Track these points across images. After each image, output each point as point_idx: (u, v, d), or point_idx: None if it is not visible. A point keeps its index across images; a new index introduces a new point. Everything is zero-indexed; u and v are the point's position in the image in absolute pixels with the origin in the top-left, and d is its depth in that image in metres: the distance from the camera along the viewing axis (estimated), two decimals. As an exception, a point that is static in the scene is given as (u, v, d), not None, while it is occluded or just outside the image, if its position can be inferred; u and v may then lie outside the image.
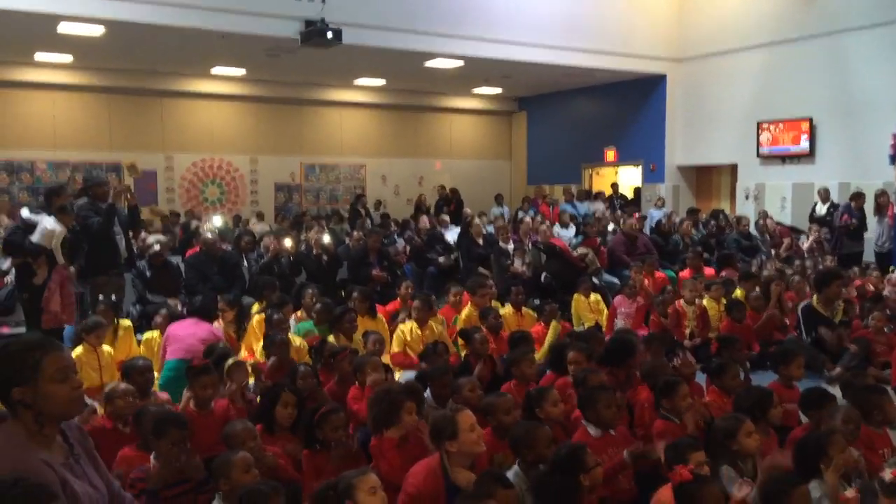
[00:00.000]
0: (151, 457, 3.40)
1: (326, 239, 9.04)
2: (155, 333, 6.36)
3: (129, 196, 7.30)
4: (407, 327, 6.38)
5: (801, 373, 4.86)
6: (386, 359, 6.05)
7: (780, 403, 4.14)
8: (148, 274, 7.91)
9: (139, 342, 6.61)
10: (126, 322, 6.48)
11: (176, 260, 8.84)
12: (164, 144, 15.71)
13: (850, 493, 2.89)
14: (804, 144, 13.06)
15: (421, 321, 6.41)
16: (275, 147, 16.85)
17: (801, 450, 3.50)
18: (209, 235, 8.33)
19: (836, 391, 4.84)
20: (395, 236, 12.72)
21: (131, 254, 7.80)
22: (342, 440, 3.77)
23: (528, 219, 11.33)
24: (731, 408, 4.39)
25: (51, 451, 2.24)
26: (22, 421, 2.22)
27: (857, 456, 3.46)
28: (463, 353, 5.98)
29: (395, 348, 6.27)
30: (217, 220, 11.58)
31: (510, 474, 3.43)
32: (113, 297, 6.83)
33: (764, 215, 12.28)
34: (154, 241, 8.20)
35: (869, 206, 10.85)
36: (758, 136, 13.75)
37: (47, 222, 6.50)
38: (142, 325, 7.49)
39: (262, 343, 5.92)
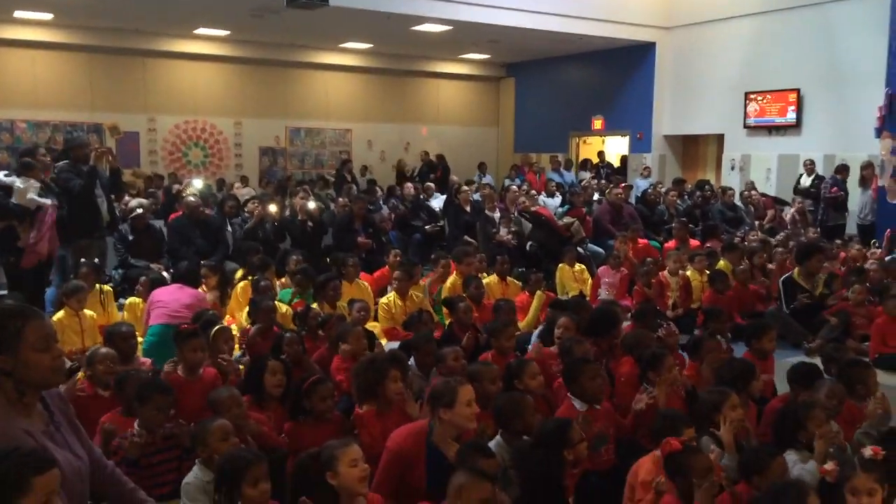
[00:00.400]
0: (135, 424, 3.39)
1: (311, 205, 8.97)
2: (137, 300, 6.31)
3: (110, 158, 7.20)
4: (389, 299, 6.37)
5: (773, 346, 4.88)
6: (371, 325, 6.07)
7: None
8: (130, 238, 7.84)
9: (121, 307, 6.58)
10: (106, 287, 6.42)
11: (159, 224, 8.77)
12: (146, 105, 15.48)
13: (829, 466, 2.93)
14: (791, 116, 13.07)
15: (402, 292, 6.40)
16: (259, 110, 16.64)
17: (779, 421, 3.55)
18: (192, 199, 8.24)
19: (816, 363, 4.92)
20: (381, 202, 12.68)
21: (113, 217, 7.72)
22: (329, 411, 3.78)
23: (514, 187, 11.30)
24: (708, 380, 4.46)
25: (31, 418, 2.23)
26: (2, 389, 2.20)
27: (836, 430, 3.51)
28: (447, 322, 5.98)
29: (384, 324, 6.26)
30: (198, 183, 11.45)
31: (492, 444, 3.46)
32: (95, 261, 6.77)
33: (750, 186, 12.32)
34: (137, 204, 8.14)
35: (854, 179, 10.91)
36: (745, 106, 13.75)
37: (19, 182, 6.41)
38: (124, 289, 7.45)
39: (246, 310, 5.89)
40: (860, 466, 2.79)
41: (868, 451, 2.86)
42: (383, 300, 6.46)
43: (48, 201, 6.51)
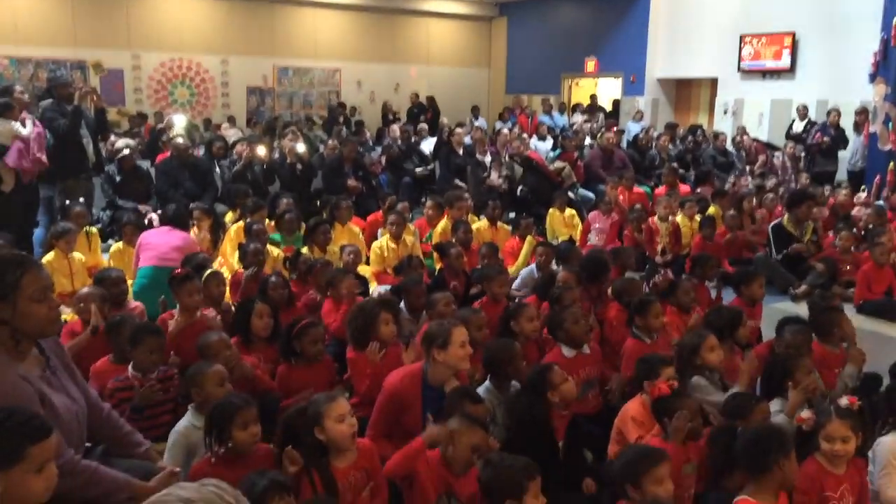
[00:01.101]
0: (129, 368, 3.41)
1: (301, 147, 8.88)
2: (121, 245, 6.26)
3: (95, 98, 7.08)
4: (382, 243, 6.36)
5: (762, 293, 4.95)
6: (363, 270, 6.08)
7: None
8: (117, 178, 7.76)
9: (108, 248, 6.56)
10: (92, 230, 6.37)
11: (146, 165, 8.68)
12: (130, 42, 15.10)
13: (805, 413, 3.00)
14: (786, 60, 12.95)
15: (396, 237, 6.40)
16: (246, 48, 16.28)
17: (768, 371, 3.63)
18: (180, 141, 8.13)
19: (802, 309, 5.00)
20: (372, 144, 12.57)
21: (99, 157, 7.64)
22: (320, 354, 3.81)
23: (505, 130, 11.21)
24: (688, 325, 4.53)
25: (27, 364, 2.24)
26: None
27: (815, 377, 3.59)
28: (437, 267, 6.00)
29: (375, 267, 6.27)
30: (179, 120, 11.24)
31: (481, 389, 3.52)
32: (81, 201, 6.71)
33: (742, 131, 12.28)
34: (123, 144, 8.01)
35: (849, 124, 10.87)
36: (740, 49, 13.59)
37: None
38: (112, 230, 7.42)
39: (238, 252, 5.88)
40: (835, 414, 2.86)
41: (844, 401, 2.92)
42: (376, 244, 6.45)
43: (27, 129, 6.37)
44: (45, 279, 2.26)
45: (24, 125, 6.34)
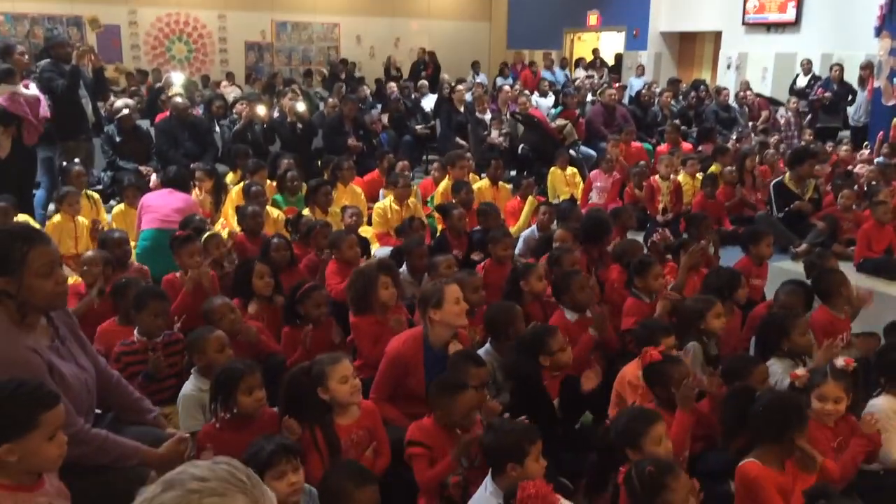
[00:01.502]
0: (135, 332, 3.46)
1: (301, 107, 8.81)
2: (123, 207, 6.27)
3: (93, 58, 7.01)
4: (386, 204, 6.33)
5: (770, 251, 4.97)
6: (364, 231, 6.09)
7: (748, 281, 4.25)
8: (118, 139, 7.72)
9: (110, 209, 6.57)
10: (94, 194, 6.38)
11: (145, 124, 8.63)
12: (126, -3, 14.90)
13: (799, 371, 3.04)
14: (790, 13, 12.74)
15: (401, 199, 6.38)
16: (244, 3, 16.02)
17: (763, 329, 3.66)
18: (179, 101, 8.07)
19: (802, 267, 5.02)
20: (372, 101, 12.46)
21: (98, 118, 7.61)
22: (323, 316, 3.85)
23: (506, 87, 11.09)
24: (695, 286, 4.56)
25: (36, 335, 2.27)
26: (6, 309, 2.23)
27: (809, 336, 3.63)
28: (439, 228, 6.01)
29: (378, 229, 6.25)
30: (178, 78, 11.11)
31: (482, 351, 3.57)
32: (76, 161, 6.69)
33: (745, 86, 12.15)
34: (122, 104, 7.94)
35: (854, 79, 10.75)
36: (745, 2, 13.36)
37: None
38: (113, 191, 7.42)
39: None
40: (830, 374, 2.89)
41: (840, 362, 2.95)
42: (379, 205, 6.42)
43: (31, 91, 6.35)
44: (52, 254, 2.27)
45: (27, 89, 6.31)
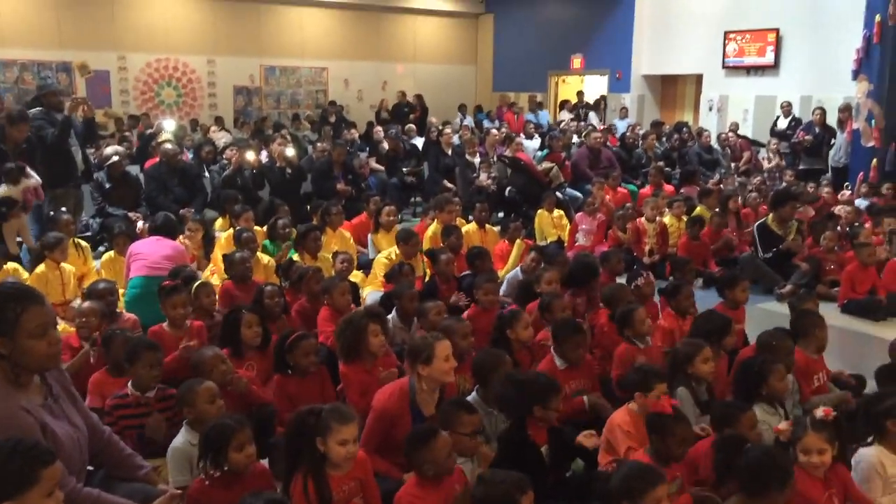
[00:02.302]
0: (128, 385, 3.45)
1: (290, 152, 8.89)
2: (112, 254, 6.27)
3: (85, 109, 7.08)
4: (391, 254, 6.17)
5: (745, 296, 4.99)
6: (355, 276, 6.09)
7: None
8: (107, 186, 7.76)
9: (99, 256, 6.57)
10: (82, 242, 6.38)
11: (135, 170, 8.68)
12: (116, 43, 15.03)
13: (782, 425, 3.06)
14: (769, 56, 13.06)
15: (407, 257, 6.09)
16: (233, 48, 16.25)
17: (742, 374, 3.70)
18: (169, 147, 8.14)
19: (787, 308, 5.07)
20: (360, 143, 12.59)
21: (88, 165, 7.63)
22: (312, 366, 3.85)
23: (494, 131, 11.25)
24: (684, 329, 4.59)
25: (29, 393, 2.26)
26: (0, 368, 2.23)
27: (791, 382, 3.66)
28: (429, 273, 6.04)
29: (382, 278, 6.04)
30: (169, 125, 11.21)
31: (469, 399, 3.58)
32: (63, 210, 6.71)
33: (734, 128, 12.40)
34: (112, 151, 7.99)
35: (833, 121, 10.99)
36: (724, 46, 13.69)
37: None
38: (102, 238, 7.42)
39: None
40: (810, 426, 2.91)
41: (820, 412, 2.96)
42: (383, 255, 6.25)
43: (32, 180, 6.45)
44: (46, 315, 2.27)
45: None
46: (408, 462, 2.86)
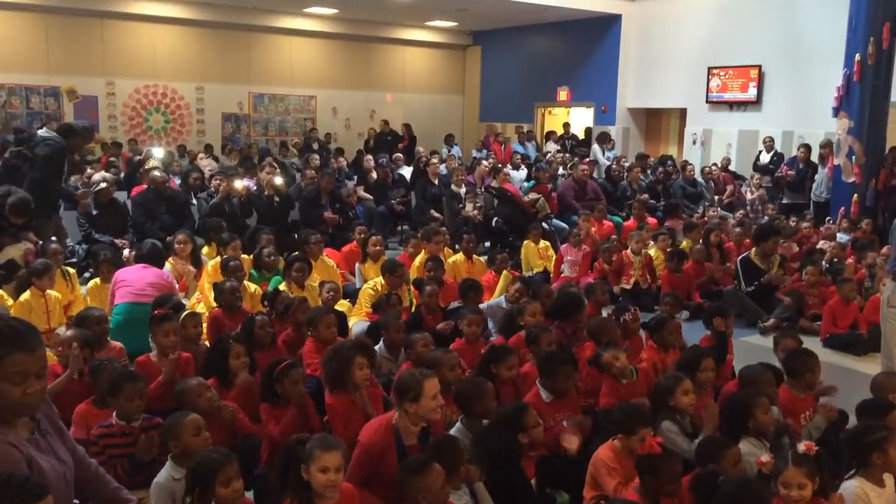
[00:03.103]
0: (113, 415, 3.43)
1: (279, 180, 8.92)
2: (97, 281, 6.25)
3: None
4: (377, 284, 6.21)
5: (730, 330, 5.09)
6: (341, 306, 6.10)
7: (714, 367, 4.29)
8: (94, 212, 7.74)
9: (85, 281, 6.55)
10: (70, 269, 6.36)
11: (121, 197, 8.66)
12: (104, 69, 15.09)
13: (765, 457, 3.09)
14: (752, 92, 13.29)
15: (393, 287, 6.16)
16: (222, 75, 16.35)
17: (728, 409, 3.74)
18: (157, 174, 8.14)
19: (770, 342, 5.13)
20: (348, 172, 12.64)
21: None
22: (301, 395, 3.83)
23: (484, 162, 11.35)
24: (668, 363, 4.64)
25: (15, 429, 2.23)
26: None
27: (776, 415, 3.69)
28: (415, 304, 6.06)
29: (368, 308, 6.11)
30: (158, 152, 11.23)
31: (454, 430, 3.59)
32: (54, 240, 6.69)
33: (727, 162, 12.59)
34: (100, 178, 8.00)
35: (814, 156, 11.17)
36: (708, 81, 13.93)
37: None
38: (88, 264, 7.39)
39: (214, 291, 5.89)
40: (791, 461, 2.93)
41: (801, 447, 2.99)
42: (369, 285, 6.27)
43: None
44: (31, 363, 2.18)
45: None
46: (401, 492, 2.85)
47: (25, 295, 5.51)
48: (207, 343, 4.90)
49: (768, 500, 2.76)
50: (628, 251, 7.67)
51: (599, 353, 4.33)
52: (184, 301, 5.86)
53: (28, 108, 14.39)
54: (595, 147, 14.57)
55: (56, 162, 7.00)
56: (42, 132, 7.17)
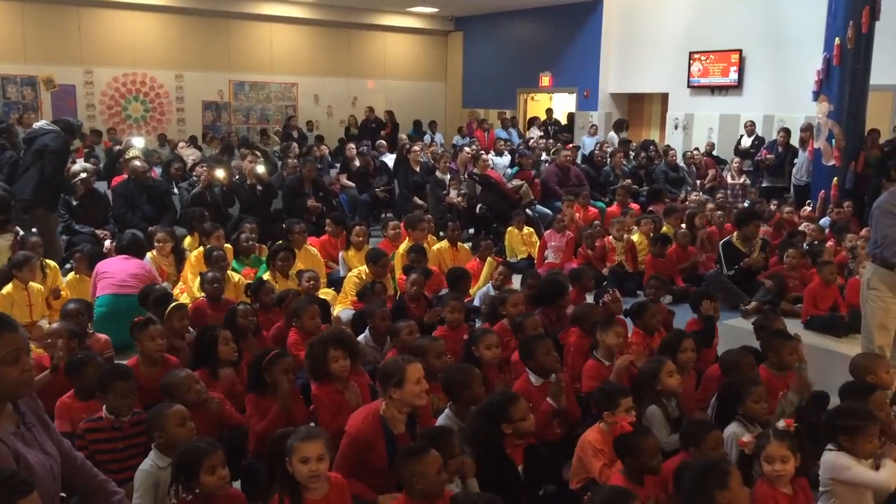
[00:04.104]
0: (103, 410, 3.41)
1: (261, 169, 8.86)
2: (74, 276, 6.20)
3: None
4: (361, 272, 6.19)
5: (717, 314, 5.15)
6: (323, 293, 6.09)
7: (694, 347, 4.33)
8: (74, 203, 7.67)
9: (66, 273, 6.49)
10: (50, 262, 6.30)
11: (102, 187, 8.58)
12: (82, 57, 14.88)
13: (746, 438, 3.14)
14: (733, 76, 13.36)
15: (377, 276, 6.16)
16: (202, 63, 16.17)
17: (722, 395, 3.78)
18: (138, 164, 8.06)
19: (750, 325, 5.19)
20: (331, 160, 12.59)
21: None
22: (289, 384, 3.81)
23: (466, 149, 11.33)
24: (653, 347, 4.68)
25: (2, 422, 2.23)
26: None
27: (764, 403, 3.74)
28: (399, 292, 6.06)
29: (353, 297, 6.09)
30: (139, 142, 11.14)
31: (442, 417, 3.60)
32: (35, 231, 6.62)
33: (711, 147, 12.64)
34: (80, 168, 7.92)
35: (795, 140, 11.26)
36: (689, 66, 13.97)
37: None
38: (69, 256, 7.31)
39: (198, 280, 5.86)
40: (773, 436, 2.99)
41: (781, 423, 3.05)
42: (354, 273, 6.26)
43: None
44: (18, 341, 2.23)
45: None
46: (397, 477, 2.85)
47: (8, 287, 5.46)
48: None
49: (725, 472, 2.75)
50: (610, 237, 7.70)
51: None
52: (169, 289, 5.82)
53: (5, 97, 14.18)
54: (612, 134, 14.54)
55: (66, 155, 7.04)
56: (43, 125, 7.07)
